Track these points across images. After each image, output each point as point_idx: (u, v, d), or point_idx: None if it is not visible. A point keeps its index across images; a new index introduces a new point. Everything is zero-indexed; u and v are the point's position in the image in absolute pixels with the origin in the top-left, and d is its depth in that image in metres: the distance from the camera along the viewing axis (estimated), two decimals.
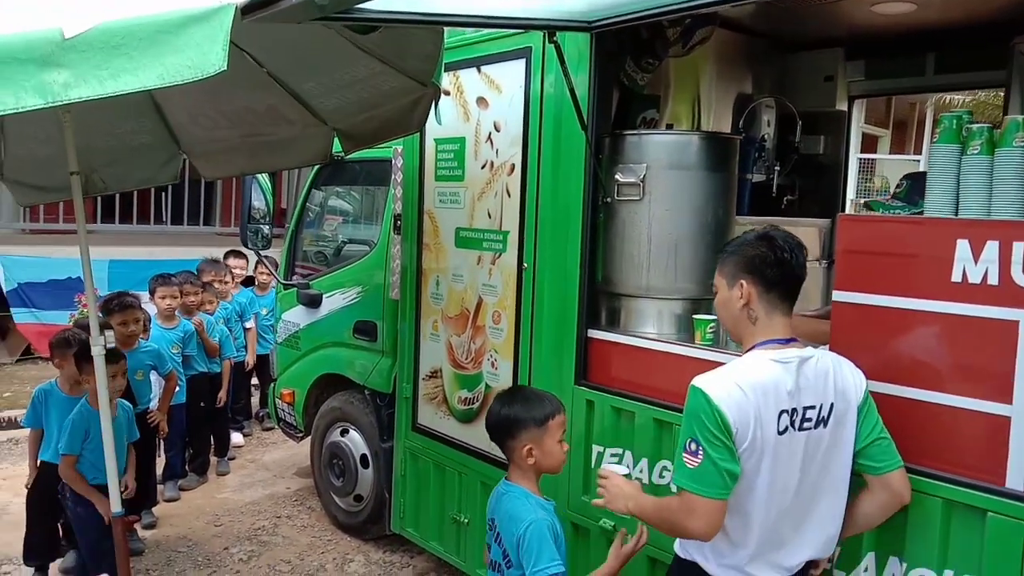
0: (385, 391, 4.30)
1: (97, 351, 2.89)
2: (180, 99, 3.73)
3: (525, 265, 3.22)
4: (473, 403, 3.54)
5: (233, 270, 6.39)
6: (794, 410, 1.99)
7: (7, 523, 4.67)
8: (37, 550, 4.01)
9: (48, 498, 3.82)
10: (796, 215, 3.95)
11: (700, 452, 1.92)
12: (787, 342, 2.07)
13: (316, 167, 5.06)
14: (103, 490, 3.34)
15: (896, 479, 2.10)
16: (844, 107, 4.25)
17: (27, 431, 6.16)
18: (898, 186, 3.04)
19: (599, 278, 3.11)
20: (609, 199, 2.99)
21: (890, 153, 14.55)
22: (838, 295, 2.35)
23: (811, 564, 2.14)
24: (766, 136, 3.88)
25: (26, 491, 4.00)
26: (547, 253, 3.15)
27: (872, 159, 13.21)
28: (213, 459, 5.67)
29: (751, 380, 1.95)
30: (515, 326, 3.30)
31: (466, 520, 3.57)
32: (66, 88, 1.66)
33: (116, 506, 3.02)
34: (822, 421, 2.03)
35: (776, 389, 1.96)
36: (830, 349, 2.36)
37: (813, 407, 2.02)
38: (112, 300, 4.29)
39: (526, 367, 3.26)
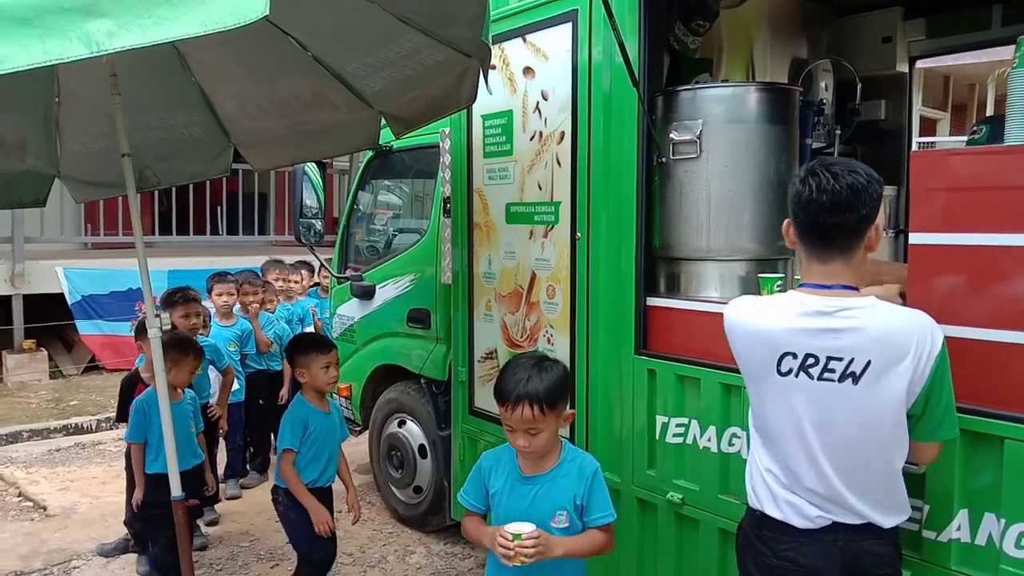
0: (441, 378, 4.25)
1: (153, 333, 2.89)
2: (227, 89, 3.76)
3: (579, 235, 3.13)
4: None
5: (299, 281, 6.38)
6: (809, 355, 1.90)
7: (76, 522, 4.76)
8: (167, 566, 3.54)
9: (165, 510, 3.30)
10: None
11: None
12: (826, 287, 1.92)
13: (365, 161, 5.09)
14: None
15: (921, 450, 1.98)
16: (905, 69, 4.06)
17: (93, 435, 6.34)
18: (974, 132, 2.88)
19: (656, 244, 3.00)
20: (664, 159, 2.89)
21: (950, 136, 14.04)
22: (915, 238, 2.20)
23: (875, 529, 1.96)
24: (824, 100, 3.74)
25: (134, 507, 3.69)
26: (601, 221, 3.05)
27: (932, 142, 12.76)
28: (273, 458, 5.68)
29: (755, 311, 2.03)
30: (570, 299, 3.20)
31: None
32: (110, 37, 1.63)
33: (176, 490, 3.01)
34: (850, 376, 1.87)
35: (780, 326, 1.94)
36: (908, 296, 2.23)
37: (840, 359, 1.88)
38: (175, 293, 4.34)
39: (583, 340, 3.16)
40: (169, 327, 3.00)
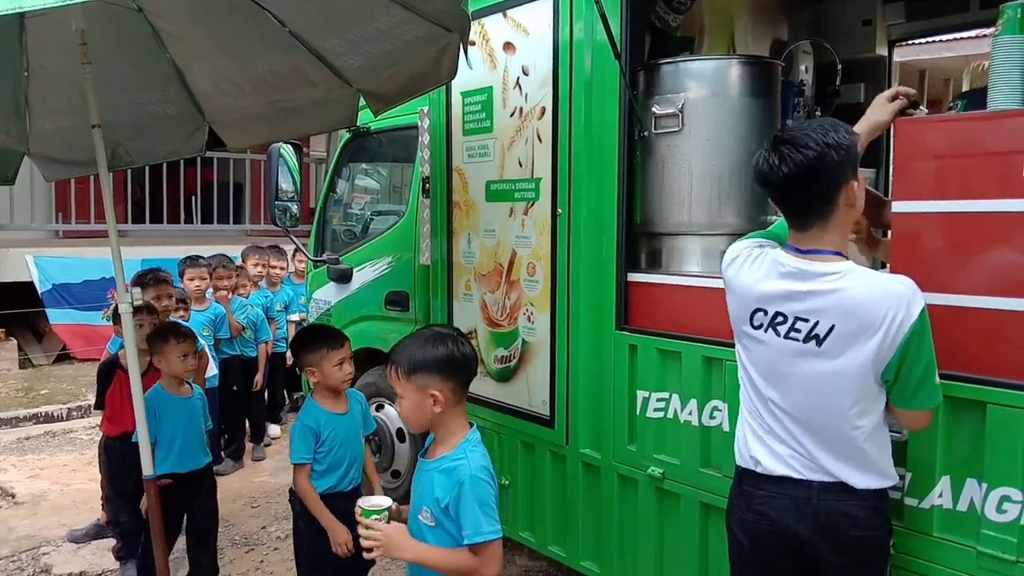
0: None
1: (124, 308, 2.82)
2: (202, 65, 3.67)
3: (559, 211, 3.10)
4: (510, 361, 3.42)
5: (284, 268, 6.29)
6: (778, 314, 1.96)
7: (46, 509, 4.67)
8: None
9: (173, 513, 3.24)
10: None
11: None
12: (803, 252, 1.96)
13: (342, 143, 5.02)
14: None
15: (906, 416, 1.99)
16: (884, 53, 4.07)
17: (64, 424, 6.22)
18: (951, 108, 2.88)
19: (638, 219, 2.99)
20: (646, 133, 2.87)
21: None
22: (898, 206, 2.20)
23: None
24: (804, 82, 3.74)
25: (143, 514, 3.32)
26: (582, 197, 3.03)
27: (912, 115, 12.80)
28: (249, 445, 5.62)
29: (742, 265, 2.06)
30: (551, 277, 3.18)
31: (507, 482, 3.45)
32: None
33: (147, 469, 2.94)
34: (814, 338, 1.91)
35: (756, 284, 2.00)
36: (891, 264, 2.23)
37: (806, 320, 1.92)
38: (146, 275, 4.26)
39: (564, 318, 3.14)
40: (140, 302, 2.92)
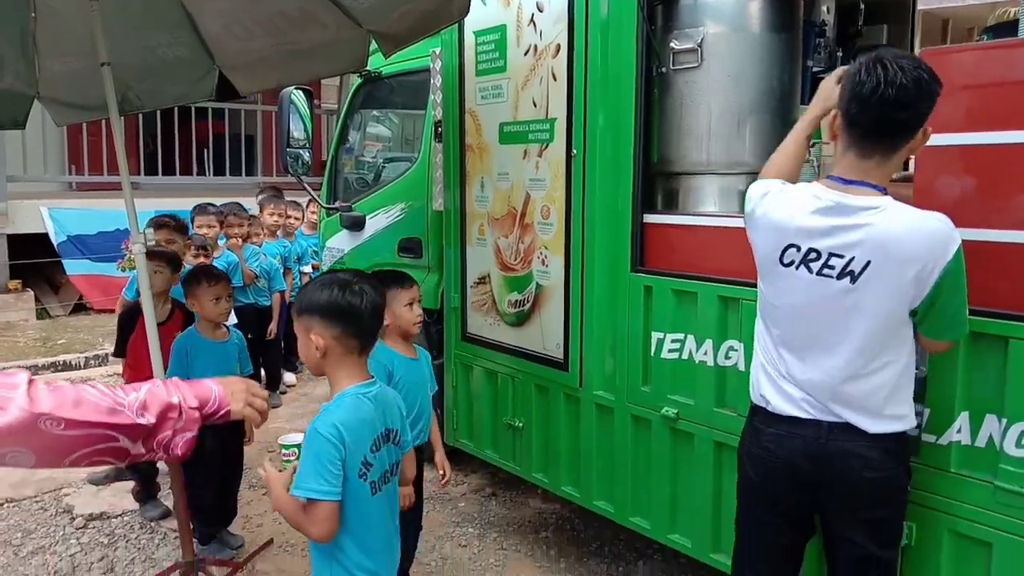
0: (433, 307, 4.19)
1: (137, 249, 2.82)
2: (212, 7, 3.61)
3: (574, 152, 3.06)
4: (524, 305, 3.41)
5: (299, 218, 6.28)
6: (812, 250, 1.90)
7: None
8: (209, 516, 3.57)
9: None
10: None
11: None
12: (847, 183, 1.90)
13: (353, 89, 4.96)
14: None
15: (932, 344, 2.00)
16: None
17: (82, 372, 6.30)
18: (979, 39, 2.80)
19: (654, 159, 2.94)
20: (664, 69, 2.81)
21: None
22: None
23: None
24: (826, 23, 3.64)
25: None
26: (597, 136, 2.98)
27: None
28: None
29: (771, 200, 2.00)
30: (565, 219, 3.14)
31: (520, 424, 3.47)
32: None
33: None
34: (848, 274, 1.86)
35: (794, 219, 1.93)
36: (914, 199, 2.19)
37: (841, 256, 1.87)
38: (163, 217, 4.25)
39: (578, 260, 3.11)
40: (153, 243, 2.93)
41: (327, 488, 1.81)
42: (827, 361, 1.93)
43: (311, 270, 6.13)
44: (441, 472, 2.94)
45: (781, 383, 2.02)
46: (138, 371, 3.68)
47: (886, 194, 1.89)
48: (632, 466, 3.00)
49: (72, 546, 3.69)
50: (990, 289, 2.03)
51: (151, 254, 3.39)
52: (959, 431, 2.08)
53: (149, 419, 1.67)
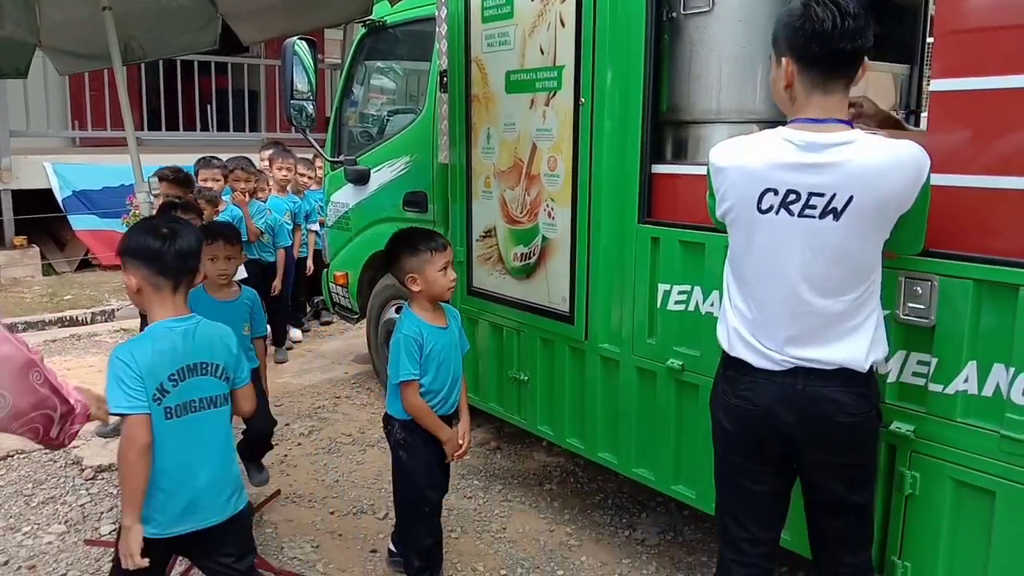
0: None
1: (142, 197, 2.81)
2: None
3: (582, 101, 3.01)
4: (530, 258, 3.39)
5: (303, 176, 6.22)
6: (791, 191, 1.87)
7: None
8: None
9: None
10: (871, 59, 3.63)
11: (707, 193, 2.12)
12: (820, 122, 1.88)
13: (357, 39, 4.89)
14: None
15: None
16: None
17: (88, 327, 6.32)
18: None
19: (663, 107, 2.89)
20: (675, 14, 2.75)
21: None
22: (937, 84, 2.11)
23: (852, 373, 1.94)
24: None
25: None
26: (606, 84, 2.93)
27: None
28: (271, 348, 5.68)
29: (740, 149, 1.97)
30: (572, 170, 3.11)
31: (526, 378, 3.47)
32: None
33: None
34: (831, 212, 1.85)
35: (768, 164, 1.90)
36: (927, 145, 2.15)
37: (822, 194, 1.84)
38: (164, 170, 4.20)
39: (585, 212, 3.08)
40: (158, 192, 2.90)
41: (133, 403, 2.01)
42: (808, 307, 1.91)
43: (319, 227, 6.11)
44: (461, 441, 2.81)
45: (756, 339, 1.98)
46: None
47: (854, 127, 1.90)
48: (637, 418, 3.00)
49: (82, 496, 3.73)
50: (1001, 236, 2.01)
51: (167, 206, 3.30)
52: (966, 380, 2.07)
53: (72, 403, 1.77)
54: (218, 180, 4.98)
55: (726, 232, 2.08)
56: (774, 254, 1.93)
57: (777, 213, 1.89)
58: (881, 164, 1.83)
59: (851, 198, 1.83)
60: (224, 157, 5.71)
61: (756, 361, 1.98)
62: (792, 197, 1.87)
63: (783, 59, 1.95)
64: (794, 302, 1.92)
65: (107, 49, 3.06)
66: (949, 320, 2.09)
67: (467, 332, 3.83)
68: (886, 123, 2.57)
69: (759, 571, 2.12)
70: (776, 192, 1.89)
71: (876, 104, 2.60)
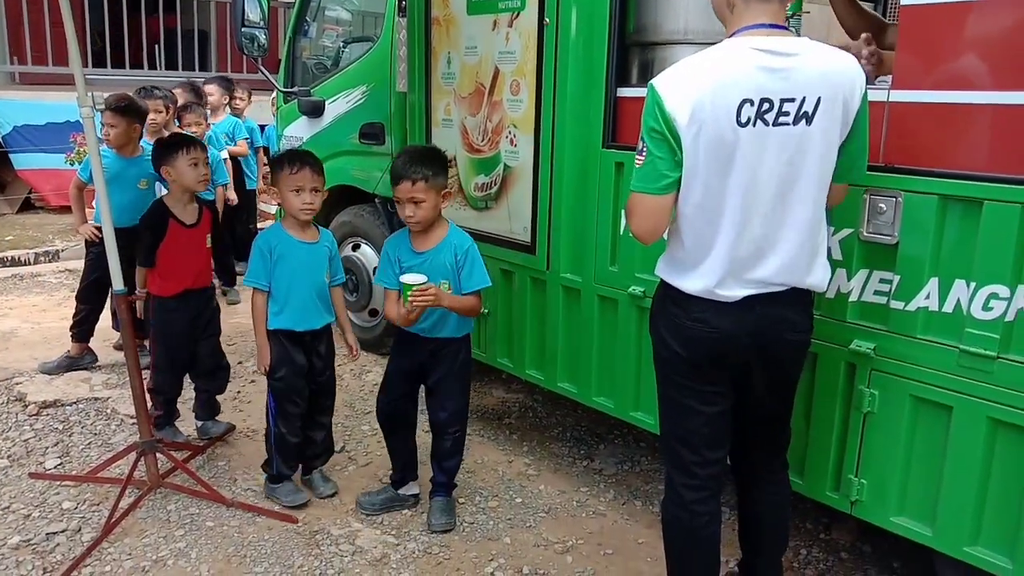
0: None
1: (86, 112, 2.65)
2: None
3: (547, 21, 2.92)
4: (491, 188, 3.32)
5: (210, 96, 5.97)
6: (764, 100, 1.80)
7: (17, 344, 4.62)
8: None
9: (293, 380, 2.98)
10: None
11: (644, 150, 1.90)
12: (771, 27, 1.85)
13: None
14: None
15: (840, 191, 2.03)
16: None
17: (31, 267, 6.09)
18: None
19: (630, 28, 2.82)
20: None
21: None
22: None
23: (801, 293, 1.97)
24: None
25: (263, 371, 3.01)
26: (571, 3, 2.84)
27: None
28: (221, 290, 5.53)
29: (706, 65, 1.84)
30: (535, 95, 3.03)
31: (486, 311, 3.41)
32: None
33: (117, 283, 2.86)
34: (804, 116, 1.82)
35: (739, 75, 1.81)
36: (896, 62, 2.13)
37: (792, 100, 1.81)
38: (112, 97, 3.94)
39: (548, 138, 3.01)
40: (102, 107, 2.75)
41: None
42: (778, 217, 1.87)
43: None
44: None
45: (714, 271, 1.91)
46: (175, 280, 3.28)
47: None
48: (597, 347, 2.98)
49: (26, 432, 3.61)
50: (964, 151, 2.01)
51: (106, 112, 3.12)
52: (927, 297, 2.08)
53: None
54: (161, 111, 4.68)
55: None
56: (746, 168, 1.83)
57: (755, 125, 1.81)
58: (839, 66, 1.84)
59: (819, 99, 1.80)
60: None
61: (718, 295, 1.92)
62: (766, 106, 1.81)
63: None
64: (768, 218, 1.86)
65: None
66: (911, 237, 2.09)
67: None
68: None
69: (709, 493, 2.11)
70: (752, 103, 1.80)
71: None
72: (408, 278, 2.58)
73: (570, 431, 3.68)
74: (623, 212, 2.59)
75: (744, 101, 1.81)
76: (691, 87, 1.81)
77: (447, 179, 2.78)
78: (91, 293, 4.17)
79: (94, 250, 4.03)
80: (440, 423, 2.92)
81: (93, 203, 4.23)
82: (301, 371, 2.96)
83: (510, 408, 3.94)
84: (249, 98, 6.32)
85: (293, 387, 2.95)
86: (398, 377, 2.95)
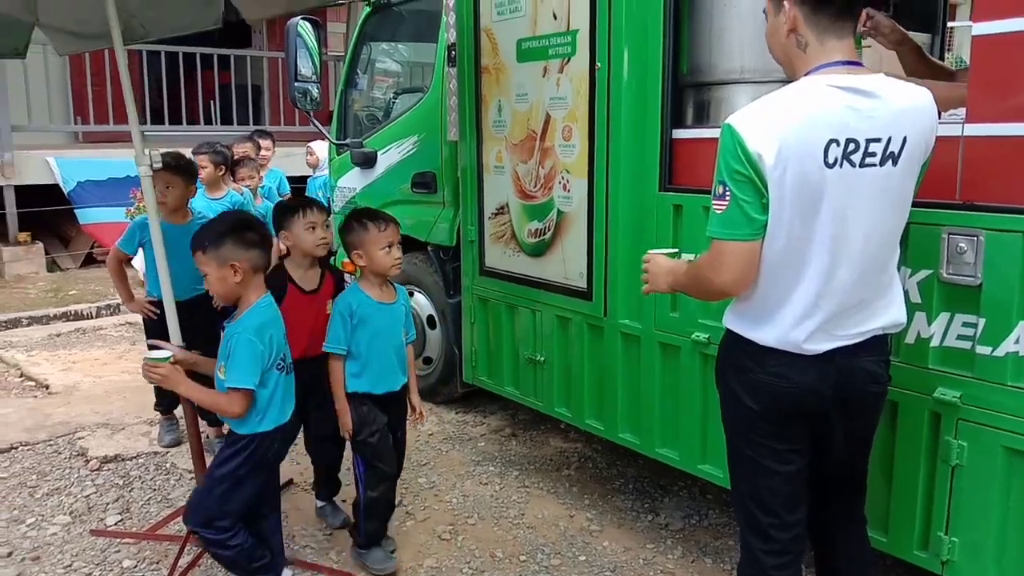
0: (448, 244, 4.09)
1: (144, 171, 2.70)
2: None
3: (598, 65, 2.89)
4: (545, 234, 3.27)
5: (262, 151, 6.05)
6: (850, 141, 1.71)
7: (79, 398, 4.70)
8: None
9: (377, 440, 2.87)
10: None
11: (727, 194, 1.76)
12: (850, 64, 1.76)
13: (362, 18, 4.78)
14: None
15: None
16: None
17: (93, 321, 6.21)
18: None
19: (684, 69, 2.77)
20: None
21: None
22: (979, 28, 1.99)
23: (880, 341, 1.89)
24: None
25: (345, 437, 2.92)
26: (623, 47, 2.81)
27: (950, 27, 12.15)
28: None
29: (788, 103, 1.73)
30: (588, 139, 2.99)
31: (542, 359, 3.36)
32: None
33: (175, 338, 2.86)
34: (890, 157, 1.73)
35: (824, 114, 1.71)
36: (970, 95, 2.04)
37: (878, 140, 1.72)
38: (168, 155, 3.95)
39: (602, 182, 2.96)
40: (160, 165, 2.79)
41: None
42: (863, 264, 1.77)
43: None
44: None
45: (797, 326, 1.79)
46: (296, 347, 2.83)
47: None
48: (659, 396, 2.88)
49: (87, 487, 3.63)
50: None
51: (158, 171, 3.02)
52: (1016, 341, 1.95)
53: None
54: (205, 167, 4.72)
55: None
56: (833, 212, 1.72)
57: (841, 167, 1.71)
58: (919, 104, 1.77)
59: (905, 139, 1.72)
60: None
61: (812, 347, 1.81)
62: (852, 147, 1.71)
63: (784, 4, 1.82)
64: (861, 266, 1.76)
65: (107, 28, 2.95)
66: (997, 278, 1.97)
67: (479, 314, 3.74)
68: (904, 41, 2.62)
69: (791, 558, 1.95)
70: (838, 143, 1.70)
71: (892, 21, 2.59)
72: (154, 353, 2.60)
73: (632, 482, 3.56)
74: (698, 261, 2.49)
75: (831, 141, 1.71)
76: (775, 126, 1.70)
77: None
78: None
79: (152, 324, 3.71)
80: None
81: (142, 275, 4.18)
82: (386, 430, 2.85)
83: (569, 458, 3.84)
84: (273, 146, 6.38)
85: (382, 446, 2.84)
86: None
